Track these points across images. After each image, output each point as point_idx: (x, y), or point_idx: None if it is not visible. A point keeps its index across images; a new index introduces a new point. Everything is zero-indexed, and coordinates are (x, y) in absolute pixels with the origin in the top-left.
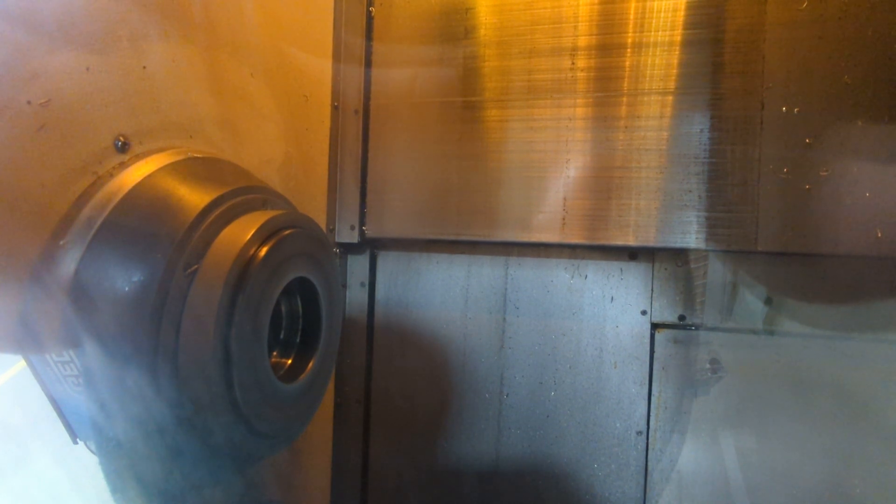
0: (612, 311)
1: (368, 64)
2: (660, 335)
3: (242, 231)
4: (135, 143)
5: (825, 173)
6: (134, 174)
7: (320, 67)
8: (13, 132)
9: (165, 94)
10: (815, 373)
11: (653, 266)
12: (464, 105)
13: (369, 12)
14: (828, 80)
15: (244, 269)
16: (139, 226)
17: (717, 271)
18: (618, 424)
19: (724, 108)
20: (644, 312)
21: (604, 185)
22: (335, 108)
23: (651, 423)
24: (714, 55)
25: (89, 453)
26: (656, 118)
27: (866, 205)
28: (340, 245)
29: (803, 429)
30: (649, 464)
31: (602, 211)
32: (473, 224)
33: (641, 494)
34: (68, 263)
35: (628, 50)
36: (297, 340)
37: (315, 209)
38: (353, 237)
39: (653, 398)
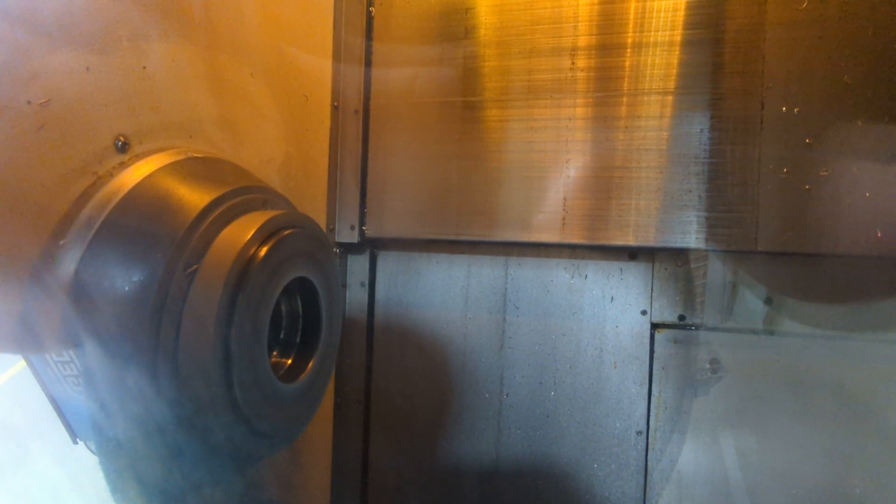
0: (612, 311)
1: (368, 64)
2: (660, 335)
3: (242, 231)
4: (135, 143)
5: (825, 173)
6: (134, 174)
7: (320, 67)
8: (13, 132)
9: (165, 94)
10: (815, 373)
11: (653, 266)
12: (464, 105)
13: (369, 12)
14: (828, 80)
15: (244, 268)
16: (139, 226)
17: (717, 271)
18: (618, 424)
19: (724, 108)
20: (644, 312)
21: (604, 185)
22: (335, 108)
23: (651, 423)
24: (714, 55)
25: (89, 453)
26: (656, 118)
27: (866, 205)
28: (340, 245)
29: (803, 429)
30: (649, 464)
31: (602, 211)
32: (473, 224)
33: (641, 494)
34: (68, 263)
35: (628, 50)
36: (297, 340)
37: (315, 209)
38: (353, 237)
39: (653, 398)
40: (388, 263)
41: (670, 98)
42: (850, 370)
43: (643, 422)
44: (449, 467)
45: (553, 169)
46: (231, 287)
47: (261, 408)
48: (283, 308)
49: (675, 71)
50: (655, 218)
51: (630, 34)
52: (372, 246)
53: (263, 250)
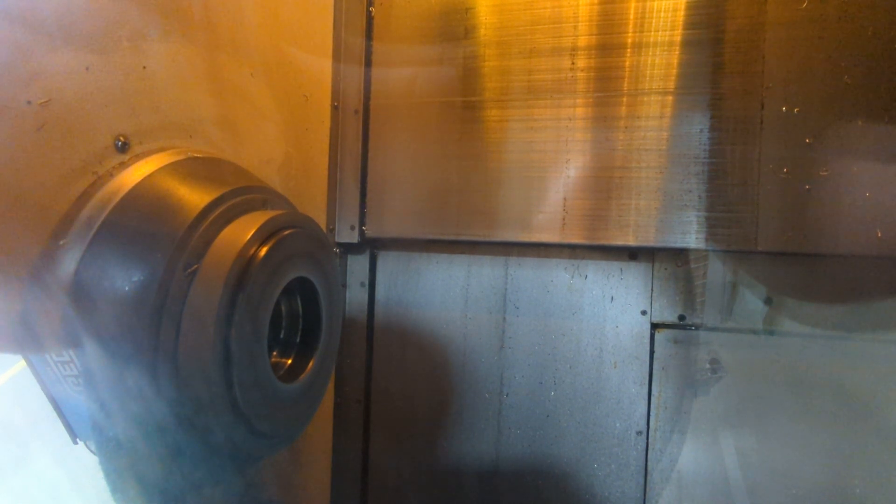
0: (612, 311)
1: (368, 64)
2: (660, 335)
3: (242, 231)
4: (135, 143)
5: (825, 173)
6: (134, 174)
7: (320, 67)
8: (13, 132)
9: (165, 94)
10: (815, 373)
11: (653, 266)
12: (464, 105)
13: (369, 12)
14: (828, 80)
15: (244, 268)
16: (139, 226)
17: (717, 271)
18: (618, 424)
19: (723, 108)
20: (644, 312)
21: (604, 185)
22: (335, 108)
23: (651, 423)
24: (714, 55)
25: (89, 453)
26: (656, 118)
27: (866, 205)
28: (340, 245)
29: (803, 429)
30: (649, 464)
31: (602, 211)
32: (473, 224)
33: (641, 494)
34: (68, 263)
35: (628, 50)
36: (297, 340)
37: (315, 209)
38: (353, 237)
39: (653, 398)
40: (388, 263)
41: (670, 98)
42: (850, 370)
43: (643, 422)
44: (449, 467)
45: (553, 169)
46: (231, 287)
47: (261, 408)
48: (283, 308)
49: (675, 71)
50: (655, 218)
51: (630, 34)
52: (372, 246)
53: (263, 250)
